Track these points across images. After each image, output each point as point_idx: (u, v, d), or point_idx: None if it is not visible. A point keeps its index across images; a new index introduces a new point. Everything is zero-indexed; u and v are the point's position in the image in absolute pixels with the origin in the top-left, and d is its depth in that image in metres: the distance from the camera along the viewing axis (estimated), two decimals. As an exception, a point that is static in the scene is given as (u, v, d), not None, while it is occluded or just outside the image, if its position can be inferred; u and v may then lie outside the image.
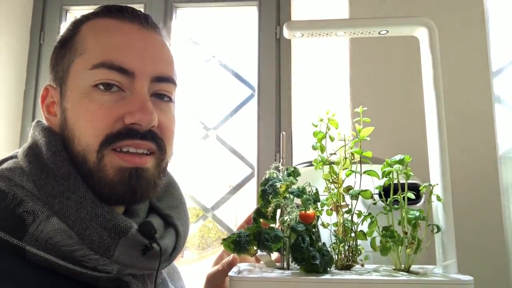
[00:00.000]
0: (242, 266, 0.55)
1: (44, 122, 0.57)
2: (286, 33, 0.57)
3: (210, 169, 1.50)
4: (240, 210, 1.48)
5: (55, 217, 0.48)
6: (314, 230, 0.53)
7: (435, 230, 0.51)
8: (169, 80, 0.56)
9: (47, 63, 0.61)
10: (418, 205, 0.63)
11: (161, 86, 0.55)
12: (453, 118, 0.62)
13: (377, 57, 0.90)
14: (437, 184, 0.51)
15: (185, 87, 1.45)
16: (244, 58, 1.49)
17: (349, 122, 0.53)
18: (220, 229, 1.44)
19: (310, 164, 0.79)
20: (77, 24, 0.56)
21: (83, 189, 0.50)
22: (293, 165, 0.87)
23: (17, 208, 0.48)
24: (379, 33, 0.57)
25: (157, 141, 0.53)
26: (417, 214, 0.49)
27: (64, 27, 1.43)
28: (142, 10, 1.42)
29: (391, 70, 0.86)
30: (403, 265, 0.51)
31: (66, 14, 1.45)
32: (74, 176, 0.50)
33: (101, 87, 0.52)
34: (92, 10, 0.57)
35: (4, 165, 0.53)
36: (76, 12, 1.47)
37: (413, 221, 0.49)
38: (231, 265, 0.60)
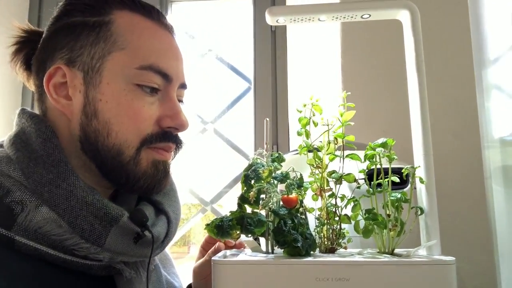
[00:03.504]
0: (228, 252, 0.56)
1: (29, 109, 0.56)
2: (268, 19, 0.57)
3: (208, 162, 1.50)
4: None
5: (45, 206, 0.48)
6: (299, 215, 0.53)
7: (419, 212, 0.51)
8: (187, 87, 0.61)
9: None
10: (405, 189, 0.63)
11: (182, 92, 0.60)
12: (437, 103, 0.62)
13: (368, 44, 0.90)
14: (419, 166, 0.51)
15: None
16: (240, 51, 1.49)
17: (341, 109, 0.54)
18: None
19: (299, 152, 0.79)
20: (106, 9, 0.55)
21: (73, 177, 0.50)
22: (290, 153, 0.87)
23: (4, 198, 0.48)
24: (361, 17, 0.57)
25: (180, 143, 0.58)
26: (399, 196, 0.49)
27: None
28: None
29: (382, 56, 0.86)
30: (387, 249, 0.51)
31: (63, 8, 1.46)
32: (64, 164, 0.51)
33: (146, 88, 0.53)
34: None
35: None
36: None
37: (396, 204, 0.49)
38: (216, 253, 0.60)
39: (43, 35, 0.57)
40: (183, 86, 0.59)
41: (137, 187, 0.54)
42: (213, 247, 0.62)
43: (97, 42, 0.53)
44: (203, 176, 1.50)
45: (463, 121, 0.71)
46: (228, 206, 1.44)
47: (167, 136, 0.55)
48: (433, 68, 0.60)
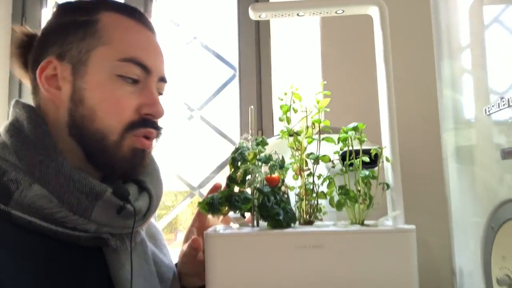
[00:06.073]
0: (218, 227, 0.62)
1: (22, 100, 0.62)
2: (251, 14, 0.62)
3: (195, 148, 1.55)
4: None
5: (37, 184, 0.54)
6: (282, 192, 0.59)
7: (385, 187, 0.58)
8: (166, 81, 0.67)
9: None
10: (375, 168, 0.70)
11: (162, 85, 0.66)
12: (402, 92, 0.69)
13: (345, 36, 0.96)
14: (385, 147, 0.58)
15: (168, 69, 1.48)
16: (225, 39, 1.52)
17: (321, 96, 0.60)
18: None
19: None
20: (94, 10, 0.61)
21: (61, 159, 0.56)
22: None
23: (1, 178, 0.54)
24: (336, 12, 0.62)
25: (159, 130, 0.64)
26: (367, 173, 0.56)
27: (46, 12, 1.44)
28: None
29: (358, 47, 0.92)
30: (358, 220, 0.58)
31: (47, 0, 1.46)
32: (53, 147, 0.57)
33: (127, 79, 0.59)
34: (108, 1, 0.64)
35: None
36: (56, -2, 1.48)
37: (365, 180, 0.56)
38: (195, 249, 0.65)
39: (39, 35, 0.63)
40: (162, 79, 0.65)
41: (116, 170, 0.60)
42: (189, 241, 0.66)
43: (84, 38, 0.60)
44: (191, 162, 1.54)
45: (426, 107, 0.78)
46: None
47: (146, 122, 0.61)
48: (399, 59, 0.66)
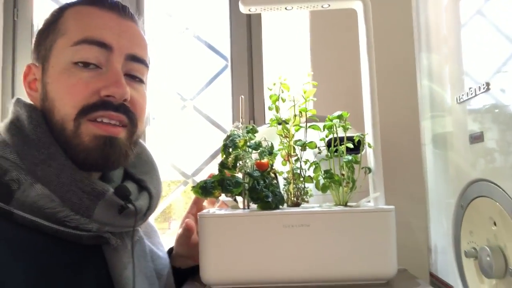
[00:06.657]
0: (211, 210, 0.66)
1: (23, 99, 0.62)
2: (241, 8, 0.65)
3: (188, 138, 1.57)
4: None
5: (39, 184, 0.54)
6: (271, 177, 0.63)
7: (367, 171, 0.62)
8: (142, 61, 0.62)
9: (23, 39, 0.67)
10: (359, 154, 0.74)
11: (134, 65, 0.61)
12: (385, 83, 0.73)
13: (334, 28, 1.00)
14: (367, 134, 0.62)
15: (161, 60, 1.50)
16: (217, 29, 1.54)
17: (310, 86, 0.64)
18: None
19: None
20: (61, 10, 0.62)
21: (63, 158, 0.56)
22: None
23: (2, 177, 0.53)
24: (322, 6, 0.66)
25: (129, 114, 0.60)
26: (351, 158, 0.60)
27: (38, 5, 1.45)
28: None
29: (346, 38, 0.95)
30: (341, 202, 0.62)
31: (39, -10, 1.46)
32: (54, 146, 0.56)
33: (80, 64, 0.57)
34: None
35: None
36: (48, -12, 1.48)
37: (349, 165, 0.60)
38: (188, 230, 0.69)
39: None
40: (133, 58, 0.61)
41: (83, 161, 0.57)
42: (184, 225, 0.70)
43: (48, 36, 0.61)
44: (184, 151, 1.57)
45: (407, 96, 0.83)
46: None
47: (105, 104, 0.57)
48: (382, 51, 0.70)
